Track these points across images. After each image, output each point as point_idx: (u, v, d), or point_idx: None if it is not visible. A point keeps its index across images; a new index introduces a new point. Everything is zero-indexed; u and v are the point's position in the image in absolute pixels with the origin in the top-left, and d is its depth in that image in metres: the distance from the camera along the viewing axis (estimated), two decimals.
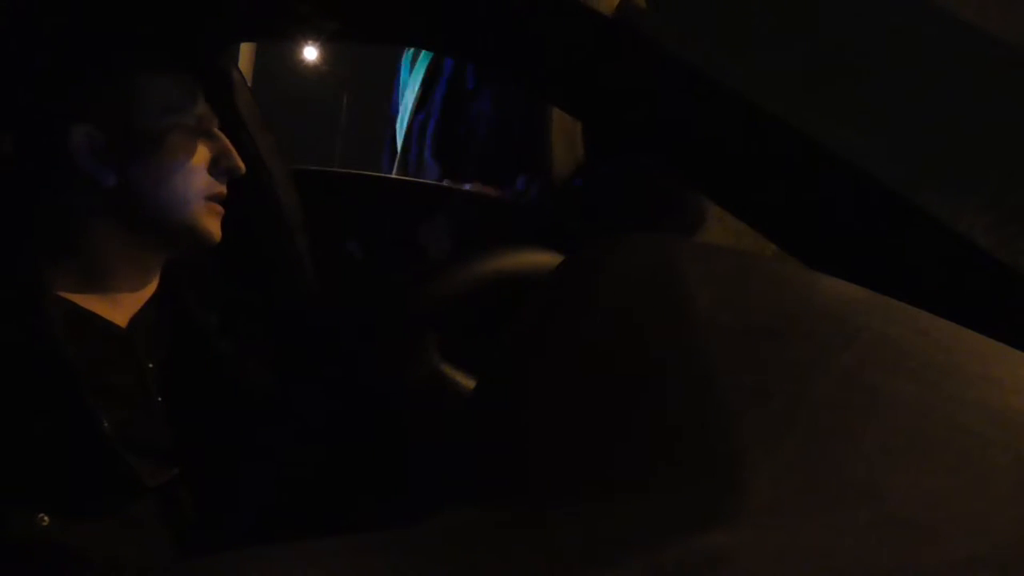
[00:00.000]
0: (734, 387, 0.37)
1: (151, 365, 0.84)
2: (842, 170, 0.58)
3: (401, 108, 1.67)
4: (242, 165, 0.88)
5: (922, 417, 0.35)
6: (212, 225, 0.86)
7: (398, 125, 1.67)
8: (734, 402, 0.36)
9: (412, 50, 1.66)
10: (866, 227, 0.60)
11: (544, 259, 0.87)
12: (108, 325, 0.82)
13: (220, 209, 0.87)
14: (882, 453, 0.33)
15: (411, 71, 1.65)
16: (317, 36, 0.90)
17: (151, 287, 0.88)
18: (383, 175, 1.59)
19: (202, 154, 0.85)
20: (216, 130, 0.88)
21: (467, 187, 1.44)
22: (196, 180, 0.84)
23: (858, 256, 0.62)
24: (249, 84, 1.16)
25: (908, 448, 0.34)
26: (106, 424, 0.76)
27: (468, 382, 0.92)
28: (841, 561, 0.29)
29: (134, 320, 0.85)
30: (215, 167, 0.86)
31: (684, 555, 0.28)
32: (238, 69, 1.12)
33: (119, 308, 0.84)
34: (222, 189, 0.87)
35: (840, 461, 0.33)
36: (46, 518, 0.72)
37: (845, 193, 0.60)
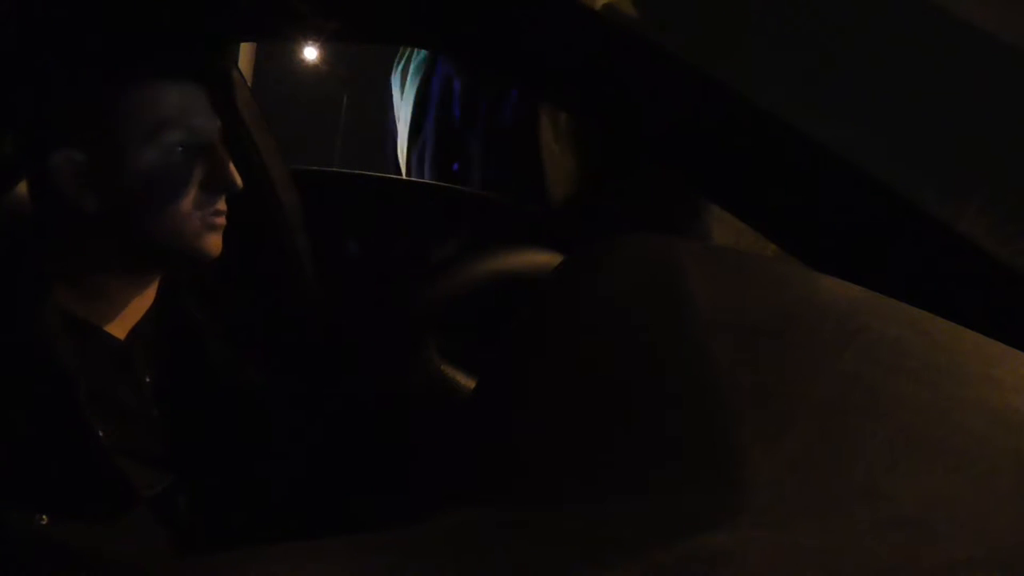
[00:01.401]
0: (734, 387, 0.37)
1: (148, 379, 0.84)
2: (842, 170, 0.58)
3: (399, 129, 1.66)
4: (238, 181, 0.82)
5: (922, 417, 0.35)
6: (209, 242, 0.82)
7: (398, 149, 1.67)
8: (734, 402, 0.36)
9: (400, 69, 1.65)
10: (866, 227, 0.60)
11: (544, 259, 0.87)
12: (107, 337, 0.82)
13: (219, 222, 0.82)
14: (882, 453, 0.33)
15: (401, 92, 1.64)
16: (317, 36, 0.90)
17: (150, 298, 0.87)
18: (383, 175, 1.59)
19: (194, 173, 0.80)
20: (214, 143, 0.82)
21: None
22: (185, 203, 0.79)
23: (858, 256, 0.62)
24: (249, 84, 1.16)
25: (908, 448, 0.34)
26: (101, 434, 0.76)
27: (468, 382, 0.92)
28: (841, 561, 0.29)
29: (133, 332, 0.84)
30: (209, 185, 0.81)
31: (684, 555, 0.28)
32: (238, 69, 1.12)
33: (119, 320, 0.84)
34: (220, 205, 0.82)
35: (840, 461, 0.33)
36: (45, 518, 0.73)
37: (845, 193, 0.60)
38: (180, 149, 0.79)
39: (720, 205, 0.73)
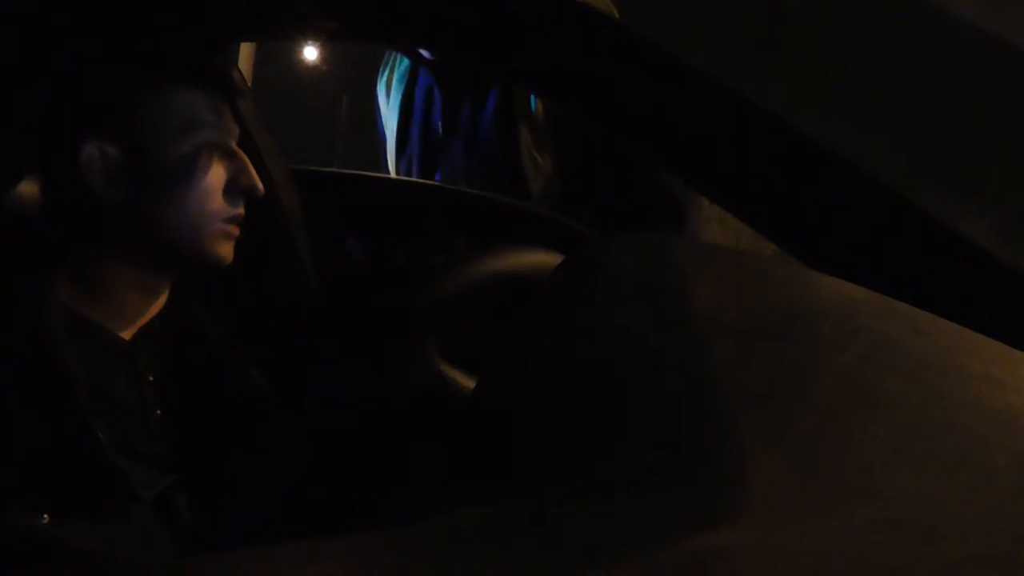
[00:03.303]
0: (734, 387, 0.37)
1: (152, 379, 0.83)
2: (842, 170, 0.58)
3: (387, 138, 1.67)
4: (260, 185, 0.83)
5: (922, 417, 0.35)
6: (223, 250, 0.82)
7: (388, 156, 1.68)
8: (734, 402, 0.36)
9: (384, 79, 1.65)
10: (866, 227, 0.60)
11: (544, 259, 0.87)
12: (111, 337, 0.82)
13: (235, 232, 0.83)
14: (882, 453, 0.33)
15: (387, 101, 1.65)
16: (317, 36, 0.90)
17: (160, 300, 0.86)
18: (383, 175, 1.59)
19: (219, 174, 0.81)
20: (236, 147, 0.84)
21: None
22: (210, 203, 0.80)
23: (858, 256, 0.62)
24: (249, 84, 1.16)
25: (908, 448, 0.34)
26: (102, 434, 0.76)
27: (468, 382, 0.92)
28: (841, 561, 0.29)
29: (139, 333, 0.84)
30: (232, 188, 0.82)
31: (684, 555, 0.28)
32: (238, 69, 1.12)
33: (125, 320, 0.83)
34: (239, 211, 0.83)
35: (840, 461, 0.33)
36: (45, 517, 0.73)
37: (845, 193, 0.60)
38: (207, 149, 0.80)
39: (719, 204, 0.73)
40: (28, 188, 0.87)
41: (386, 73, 1.65)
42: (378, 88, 1.68)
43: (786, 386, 0.37)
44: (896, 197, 0.56)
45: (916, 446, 0.34)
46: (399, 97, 1.60)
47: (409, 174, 1.59)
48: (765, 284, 0.45)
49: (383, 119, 1.68)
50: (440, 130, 1.52)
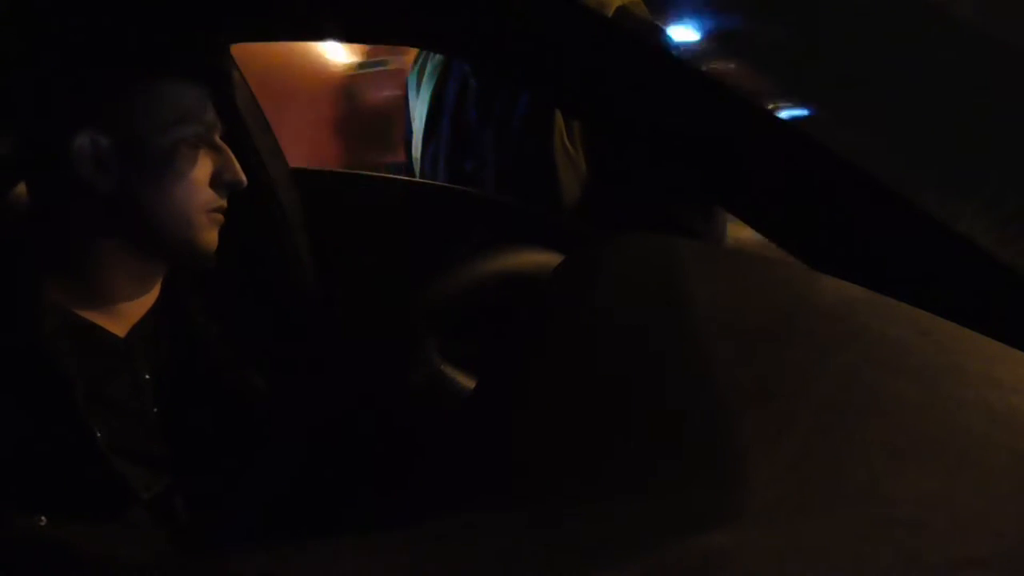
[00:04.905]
0: (734, 387, 0.37)
1: (148, 376, 0.83)
2: (842, 170, 0.58)
3: (413, 130, 1.66)
4: (244, 178, 0.85)
5: (922, 417, 0.35)
6: (210, 238, 0.84)
7: (412, 149, 1.67)
8: (734, 402, 0.36)
9: (416, 71, 1.65)
10: (866, 227, 0.60)
11: (544, 259, 0.87)
12: (106, 335, 0.82)
13: (220, 219, 0.85)
14: (882, 453, 0.33)
15: (417, 93, 1.64)
16: (317, 36, 0.90)
17: (152, 296, 0.87)
18: (384, 175, 1.59)
19: (204, 166, 0.83)
20: (220, 141, 0.85)
21: None
22: (197, 194, 0.82)
23: (858, 256, 0.61)
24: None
25: (908, 448, 0.34)
26: (99, 434, 0.76)
27: (468, 382, 0.92)
28: (841, 561, 0.29)
29: (134, 330, 0.84)
30: (217, 180, 0.84)
31: (684, 555, 0.28)
32: (238, 69, 1.12)
33: (119, 318, 0.83)
34: (223, 202, 0.85)
35: (840, 461, 0.33)
36: (44, 518, 0.73)
37: (844, 193, 0.60)
38: (193, 141, 0.82)
39: (720, 205, 0.73)
40: (20, 188, 0.88)
41: (417, 66, 1.64)
42: (408, 80, 1.67)
43: (786, 386, 0.37)
44: (896, 197, 0.56)
45: (916, 446, 0.34)
46: (431, 87, 1.59)
47: (436, 163, 1.58)
48: (765, 284, 0.45)
49: (410, 110, 1.67)
50: (474, 120, 1.51)
